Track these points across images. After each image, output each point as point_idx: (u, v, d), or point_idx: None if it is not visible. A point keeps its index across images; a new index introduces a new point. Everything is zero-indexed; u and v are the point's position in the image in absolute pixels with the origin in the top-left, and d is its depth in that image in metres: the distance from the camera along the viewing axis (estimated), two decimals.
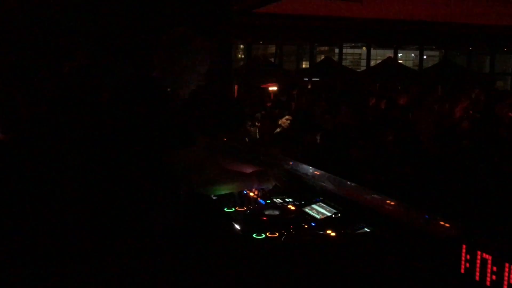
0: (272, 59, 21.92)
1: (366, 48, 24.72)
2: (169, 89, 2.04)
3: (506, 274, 1.42)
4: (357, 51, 26.88)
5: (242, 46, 23.62)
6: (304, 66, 24.94)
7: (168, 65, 2.03)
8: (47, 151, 2.12)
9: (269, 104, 8.27)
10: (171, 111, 1.91)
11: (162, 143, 1.83)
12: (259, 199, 2.37)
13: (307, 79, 18.99)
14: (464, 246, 1.55)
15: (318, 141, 5.28)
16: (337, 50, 24.60)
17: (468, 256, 1.54)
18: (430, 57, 27.15)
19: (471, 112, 7.60)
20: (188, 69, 2.06)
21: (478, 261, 1.50)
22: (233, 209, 2.22)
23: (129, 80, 2.02)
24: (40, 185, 2.06)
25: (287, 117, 6.54)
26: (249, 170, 2.45)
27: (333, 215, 2.13)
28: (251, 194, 2.41)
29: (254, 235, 1.85)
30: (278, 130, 6.17)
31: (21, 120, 2.52)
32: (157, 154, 1.83)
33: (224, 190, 2.15)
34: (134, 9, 4.96)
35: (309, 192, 2.47)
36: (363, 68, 23.82)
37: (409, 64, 26.22)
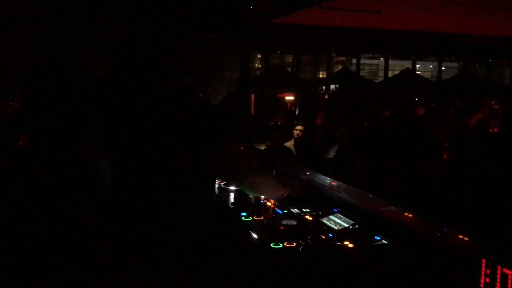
0: (289, 69, 21.96)
1: (384, 59, 24.61)
2: (200, 95, 2.06)
3: None
4: (374, 61, 26.79)
5: (259, 56, 23.71)
6: (321, 76, 24.92)
7: (199, 72, 2.04)
8: (80, 155, 2.15)
9: (279, 116, 8.25)
10: (205, 114, 1.93)
11: (199, 145, 1.84)
12: (276, 208, 2.38)
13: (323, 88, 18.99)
14: (484, 261, 1.54)
15: (331, 155, 5.26)
16: (354, 61, 24.54)
17: (488, 271, 1.52)
18: (449, 68, 26.92)
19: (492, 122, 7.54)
20: (219, 76, 2.08)
21: (498, 276, 1.48)
22: (251, 218, 2.23)
23: (162, 86, 2.04)
24: (76, 188, 2.09)
25: (297, 127, 6.49)
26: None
27: (350, 226, 2.13)
28: (268, 203, 2.42)
29: (271, 245, 1.86)
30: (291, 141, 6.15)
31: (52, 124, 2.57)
32: (194, 158, 1.84)
33: (257, 189, 2.14)
34: (161, 16, 5.02)
35: (326, 203, 2.47)
36: (380, 79, 23.71)
37: (427, 75, 26.03)
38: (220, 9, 5.76)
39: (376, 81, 23.21)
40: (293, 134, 6.52)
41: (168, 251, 1.81)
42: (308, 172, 2.94)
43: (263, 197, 2.40)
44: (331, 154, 5.36)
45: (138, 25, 4.80)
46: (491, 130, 7.40)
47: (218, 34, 2.11)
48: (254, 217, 2.24)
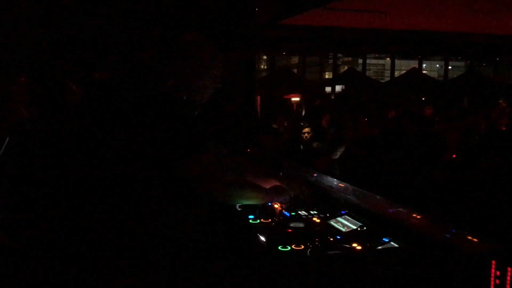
0: (295, 70, 21.96)
1: (390, 59, 24.56)
2: (185, 97, 2.04)
3: None
4: (381, 61, 26.75)
5: (265, 57, 23.74)
6: (327, 76, 24.91)
7: (182, 72, 2.03)
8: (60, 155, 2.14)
9: (283, 118, 8.23)
10: (183, 119, 1.91)
11: (171, 152, 1.82)
12: (284, 211, 2.38)
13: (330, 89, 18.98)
14: (493, 262, 1.53)
15: (338, 156, 5.26)
16: (360, 61, 24.51)
17: (498, 273, 1.51)
18: (456, 67, 26.81)
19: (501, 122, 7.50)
20: (202, 75, 2.07)
21: (509, 278, 1.48)
22: (258, 221, 2.23)
23: (143, 91, 2.01)
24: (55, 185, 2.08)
25: (305, 130, 6.49)
26: (271, 183, 2.46)
27: (358, 228, 2.12)
28: (276, 206, 2.42)
29: (279, 247, 1.86)
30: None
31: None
32: (167, 163, 1.82)
33: (241, 199, 2.16)
34: (147, 19, 5.00)
35: (334, 205, 2.46)
36: (386, 79, 23.66)
37: (434, 75, 25.94)
38: (226, 11, 5.77)
39: (383, 81, 23.16)
40: (301, 137, 6.51)
41: (167, 254, 1.81)
42: (315, 174, 2.93)
43: (271, 202, 2.39)
44: (338, 155, 5.36)
45: (122, 29, 4.80)
46: (499, 128, 7.37)
47: (196, 33, 2.10)
48: (262, 220, 2.23)
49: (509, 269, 1.47)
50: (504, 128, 7.55)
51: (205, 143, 1.92)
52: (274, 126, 7.50)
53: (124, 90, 2.01)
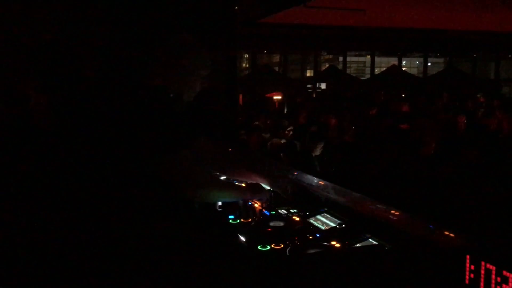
0: (277, 68, 21.99)
1: (370, 56, 24.75)
2: (172, 95, 2.07)
3: (510, 284, 1.42)
4: (361, 59, 26.95)
5: (246, 56, 23.72)
6: (308, 74, 25.01)
7: (170, 71, 2.06)
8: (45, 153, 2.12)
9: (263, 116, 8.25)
10: (171, 115, 1.93)
11: (149, 148, 1.84)
12: (264, 210, 2.38)
13: (310, 87, 19.06)
14: (468, 257, 1.56)
15: (318, 153, 5.29)
16: (341, 58, 24.66)
17: (472, 267, 1.54)
18: (435, 64, 27.15)
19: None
20: (190, 73, 2.11)
21: (482, 272, 1.50)
22: (238, 220, 2.23)
23: (130, 89, 2.03)
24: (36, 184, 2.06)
25: (289, 128, 6.55)
26: (253, 180, 2.47)
27: (337, 226, 2.14)
28: (256, 205, 2.42)
29: (259, 247, 1.86)
30: (283, 141, 6.17)
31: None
32: (144, 160, 1.84)
33: (214, 198, 2.19)
34: (134, 18, 4.99)
35: (314, 203, 2.47)
36: (367, 76, 23.84)
37: (414, 71, 26.23)
38: (206, 10, 5.76)
39: (363, 78, 23.33)
40: (285, 134, 6.54)
41: (146, 255, 1.81)
42: (295, 172, 2.94)
43: (245, 198, 2.40)
44: (318, 151, 5.40)
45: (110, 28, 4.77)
46: (479, 122, 7.50)
47: (185, 33, 2.12)
48: (242, 220, 2.24)
49: (483, 263, 1.50)
50: (483, 123, 7.66)
51: (190, 138, 1.94)
52: (257, 123, 7.52)
53: (112, 87, 2.02)
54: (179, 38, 2.12)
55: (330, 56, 26.65)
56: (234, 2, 6.63)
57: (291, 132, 6.51)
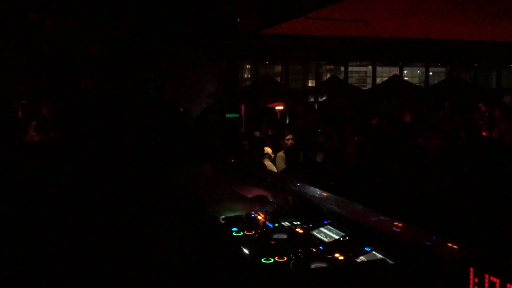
0: (278, 79, 22.06)
1: (371, 66, 24.82)
2: (181, 109, 2.09)
3: None
4: (363, 69, 26.97)
5: (248, 66, 23.80)
6: (310, 84, 25.05)
7: (180, 86, 2.08)
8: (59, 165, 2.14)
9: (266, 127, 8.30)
10: (182, 130, 1.94)
11: (170, 161, 1.85)
12: (267, 222, 2.38)
13: (312, 98, 19.10)
14: (471, 269, 1.55)
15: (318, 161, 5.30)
16: (343, 69, 24.72)
17: (476, 280, 1.54)
18: (436, 73, 27.18)
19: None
20: (198, 89, 2.13)
21: (486, 285, 1.50)
22: (242, 233, 2.23)
23: (140, 103, 2.05)
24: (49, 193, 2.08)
25: (288, 137, 6.57)
26: (255, 193, 2.48)
27: (341, 238, 2.14)
28: (259, 217, 2.42)
29: (262, 260, 1.86)
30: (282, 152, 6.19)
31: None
32: (165, 173, 1.85)
33: (230, 212, 2.19)
34: (140, 32, 5.02)
35: (316, 215, 2.47)
36: (369, 86, 23.89)
37: (415, 81, 26.25)
38: (208, 22, 5.79)
39: (365, 88, 23.38)
40: (285, 144, 6.56)
41: (152, 266, 1.82)
42: (298, 183, 2.94)
43: (253, 211, 2.41)
44: (318, 159, 5.41)
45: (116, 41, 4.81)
46: (481, 133, 7.50)
47: (195, 48, 2.15)
48: (245, 232, 2.24)
49: (486, 276, 1.50)
50: (484, 133, 7.67)
51: (204, 153, 1.95)
52: (257, 134, 7.55)
53: (124, 101, 2.04)
54: (185, 52, 2.13)
55: (332, 66, 26.71)
56: (236, 13, 6.70)
57: (291, 141, 6.52)
